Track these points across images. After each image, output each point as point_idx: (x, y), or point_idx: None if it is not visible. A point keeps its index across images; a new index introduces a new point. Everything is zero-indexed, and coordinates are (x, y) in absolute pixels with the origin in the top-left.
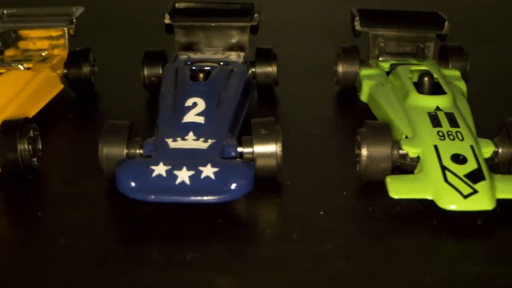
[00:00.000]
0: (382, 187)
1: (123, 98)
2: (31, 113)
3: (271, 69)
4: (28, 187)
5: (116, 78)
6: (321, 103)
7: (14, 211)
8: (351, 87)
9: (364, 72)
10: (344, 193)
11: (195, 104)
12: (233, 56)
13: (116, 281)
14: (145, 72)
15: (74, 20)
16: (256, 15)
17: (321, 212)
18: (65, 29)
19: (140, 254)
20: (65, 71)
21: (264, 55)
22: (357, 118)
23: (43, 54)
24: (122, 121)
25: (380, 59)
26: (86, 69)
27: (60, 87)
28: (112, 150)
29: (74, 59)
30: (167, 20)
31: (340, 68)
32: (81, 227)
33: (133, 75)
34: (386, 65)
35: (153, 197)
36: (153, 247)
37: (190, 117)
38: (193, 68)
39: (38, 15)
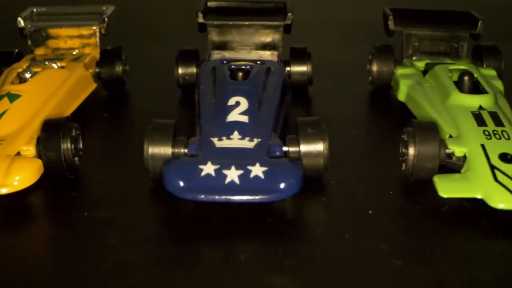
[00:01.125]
0: (428, 186)
1: (155, 97)
2: (67, 112)
3: (306, 68)
4: (71, 187)
5: (146, 76)
6: (354, 102)
7: (60, 211)
8: (385, 87)
9: (401, 71)
10: (391, 192)
11: (238, 103)
12: (268, 55)
13: (170, 282)
14: (180, 71)
15: (106, 19)
16: (290, 14)
17: (370, 212)
18: (97, 27)
19: (192, 254)
20: (97, 70)
21: (298, 54)
22: (393, 117)
23: (74, 53)
24: (166, 120)
25: (414, 58)
26: (119, 68)
27: (93, 86)
28: (158, 150)
29: (107, 58)
30: (200, 19)
31: (375, 68)
32: (130, 227)
33: (161, 74)
34: (421, 64)
35: (203, 196)
36: (205, 247)
37: (234, 116)
38: (232, 67)
39: (68, 13)
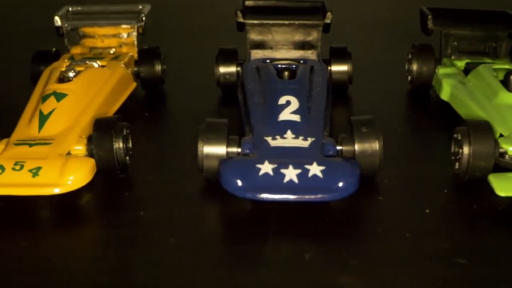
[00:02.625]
0: (481, 185)
1: (193, 96)
2: (111, 111)
3: (347, 67)
4: (124, 186)
5: (181, 75)
6: (394, 101)
7: (115, 210)
8: (425, 86)
9: (443, 70)
10: (445, 191)
11: (288, 102)
12: (309, 54)
13: (234, 281)
14: (220, 70)
15: (144, 18)
16: (329, 13)
17: (427, 210)
18: (135, 26)
19: (254, 253)
20: (136, 69)
21: (339, 54)
22: (436, 116)
23: (111, 52)
24: (219, 119)
25: (453, 57)
26: (158, 67)
27: (133, 85)
28: (213, 149)
29: (146, 57)
30: (240, 19)
31: (415, 67)
32: (188, 226)
33: (196, 72)
34: (461, 64)
35: (262, 195)
36: (267, 246)
37: (286, 115)
38: (278, 66)
39: (104, 12)
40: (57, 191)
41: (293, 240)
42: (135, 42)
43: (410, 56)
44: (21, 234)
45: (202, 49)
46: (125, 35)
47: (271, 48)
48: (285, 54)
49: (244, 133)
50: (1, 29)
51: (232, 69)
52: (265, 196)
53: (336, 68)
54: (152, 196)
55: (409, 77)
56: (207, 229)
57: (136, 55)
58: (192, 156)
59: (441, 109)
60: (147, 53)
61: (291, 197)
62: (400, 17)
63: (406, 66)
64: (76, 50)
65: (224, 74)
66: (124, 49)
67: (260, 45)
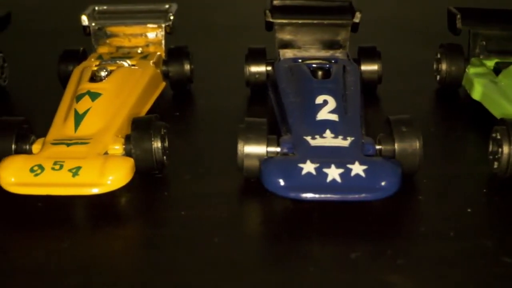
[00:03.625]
0: None
1: (222, 95)
2: (144, 110)
3: (377, 67)
4: (162, 186)
5: (208, 75)
6: (423, 100)
7: (156, 210)
8: (454, 86)
9: (473, 70)
10: (484, 190)
11: (325, 102)
12: (338, 53)
13: (282, 281)
14: (251, 70)
15: (172, 17)
16: (358, 12)
17: (469, 210)
18: (162, 26)
19: (300, 252)
20: (164, 68)
21: (368, 53)
22: (467, 115)
23: (138, 51)
24: (259, 119)
25: (481, 57)
26: (187, 66)
27: (163, 84)
28: (253, 148)
29: (175, 56)
30: (269, 18)
31: (444, 67)
32: (231, 225)
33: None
34: (490, 63)
35: (306, 195)
36: (313, 245)
37: (324, 114)
38: (313, 65)
39: (131, 12)
40: (97, 191)
41: (337, 239)
42: (163, 41)
43: (439, 56)
44: (63, 235)
45: (225, 48)
46: (152, 35)
47: (299, 47)
48: (315, 53)
49: (279, 133)
50: (24, 29)
51: (262, 68)
52: (309, 195)
53: (365, 67)
54: (191, 196)
55: (438, 77)
56: (250, 228)
57: (163, 55)
58: (227, 155)
59: (471, 108)
60: (176, 52)
61: (334, 196)
62: (423, 16)
63: (435, 66)
64: (103, 49)
65: (254, 73)
66: (151, 49)
67: (289, 45)
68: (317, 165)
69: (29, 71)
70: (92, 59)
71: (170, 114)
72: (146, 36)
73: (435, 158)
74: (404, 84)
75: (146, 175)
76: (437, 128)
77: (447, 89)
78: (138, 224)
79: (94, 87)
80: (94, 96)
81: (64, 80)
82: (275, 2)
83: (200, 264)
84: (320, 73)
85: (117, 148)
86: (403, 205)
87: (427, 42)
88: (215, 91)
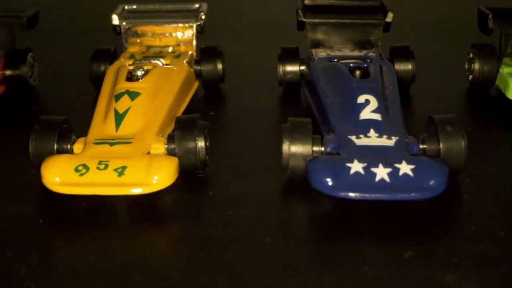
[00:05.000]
0: None
1: (253, 95)
2: (181, 110)
3: (410, 66)
4: (205, 186)
5: (238, 74)
6: (457, 100)
7: (201, 210)
8: (487, 85)
9: (507, 70)
10: None
11: (367, 101)
12: (372, 53)
13: (336, 280)
14: (285, 69)
15: (204, 17)
16: (390, 12)
17: None
18: (194, 25)
19: (353, 252)
20: (197, 67)
21: (401, 53)
22: (502, 115)
23: (169, 50)
24: (303, 118)
25: None
26: (219, 66)
27: (196, 84)
28: (298, 148)
29: (207, 55)
30: (301, 17)
31: (477, 66)
32: (280, 225)
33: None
34: None
35: (355, 195)
36: (365, 245)
37: (367, 114)
38: (350, 65)
39: (160, 11)
40: (143, 191)
41: (388, 239)
42: (194, 40)
43: (471, 56)
44: (110, 235)
45: (254, 47)
46: (183, 34)
47: (331, 47)
48: (348, 53)
49: (320, 132)
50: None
51: (295, 68)
52: (358, 195)
53: (399, 67)
54: (235, 196)
55: (470, 76)
56: (299, 228)
57: (195, 54)
58: (266, 154)
59: (506, 108)
60: (208, 51)
61: (384, 196)
62: (452, 16)
63: (466, 65)
64: (133, 49)
65: (288, 73)
66: (182, 48)
67: (320, 44)
68: (365, 164)
69: (55, 70)
70: (122, 59)
71: (205, 113)
72: (177, 35)
73: (476, 157)
74: (435, 83)
75: (188, 175)
76: (474, 128)
77: (480, 89)
78: (187, 224)
79: (132, 86)
80: (133, 95)
81: (95, 79)
82: (306, 2)
83: (252, 265)
84: (358, 72)
85: (159, 147)
86: (450, 205)
87: (456, 42)
88: (246, 90)
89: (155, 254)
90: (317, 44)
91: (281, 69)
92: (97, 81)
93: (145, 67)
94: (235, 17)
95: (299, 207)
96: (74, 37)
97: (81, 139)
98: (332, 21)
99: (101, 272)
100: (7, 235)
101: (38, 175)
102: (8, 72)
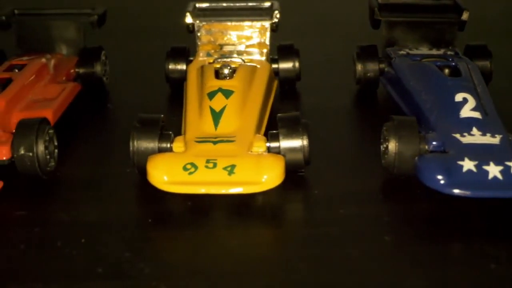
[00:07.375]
0: None
1: (326, 93)
2: (269, 108)
3: (488, 65)
4: (308, 185)
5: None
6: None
7: (309, 209)
8: None
9: None
10: None
11: (465, 100)
12: (449, 52)
13: (462, 278)
14: (364, 67)
15: (278, 15)
16: (465, 11)
17: None
18: (268, 23)
19: (477, 249)
20: (274, 66)
21: (479, 52)
22: None
23: (242, 49)
24: (408, 117)
25: None
26: (296, 64)
27: (276, 82)
28: (406, 147)
29: (284, 54)
30: (377, 16)
31: None
32: (398, 223)
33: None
34: None
35: (470, 192)
36: (484, 242)
37: (467, 112)
38: (438, 63)
39: (231, 9)
40: (254, 189)
41: (482, 239)
42: (268, 39)
43: None
44: (225, 234)
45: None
46: (257, 32)
47: (406, 45)
48: (426, 51)
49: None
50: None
51: (375, 66)
52: (474, 193)
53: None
54: (340, 195)
55: None
56: (417, 226)
57: (269, 52)
58: (361, 152)
59: None
60: (285, 50)
61: (498, 193)
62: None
63: None
64: (206, 47)
65: (366, 71)
66: (256, 46)
67: (395, 43)
68: (476, 162)
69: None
70: (199, 58)
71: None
72: (250, 33)
73: None
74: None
75: (288, 174)
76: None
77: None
78: (294, 224)
79: (225, 84)
80: (227, 93)
81: (171, 77)
82: (380, 0)
83: (369, 261)
84: (447, 71)
85: (261, 146)
86: None
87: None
88: (319, 87)
89: (274, 254)
90: (392, 43)
91: (359, 67)
92: (173, 79)
93: (233, 65)
94: (306, 13)
95: (408, 205)
96: (130, 36)
97: (180, 137)
98: (409, 19)
99: (223, 271)
100: (121, 234)
101: (133, 174)
102: (82, 70)
